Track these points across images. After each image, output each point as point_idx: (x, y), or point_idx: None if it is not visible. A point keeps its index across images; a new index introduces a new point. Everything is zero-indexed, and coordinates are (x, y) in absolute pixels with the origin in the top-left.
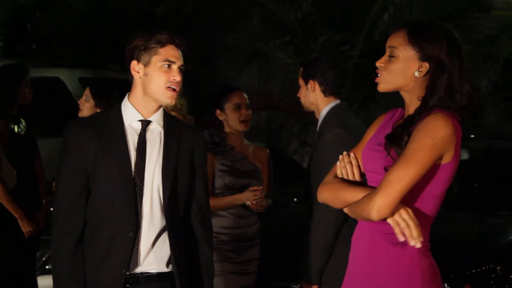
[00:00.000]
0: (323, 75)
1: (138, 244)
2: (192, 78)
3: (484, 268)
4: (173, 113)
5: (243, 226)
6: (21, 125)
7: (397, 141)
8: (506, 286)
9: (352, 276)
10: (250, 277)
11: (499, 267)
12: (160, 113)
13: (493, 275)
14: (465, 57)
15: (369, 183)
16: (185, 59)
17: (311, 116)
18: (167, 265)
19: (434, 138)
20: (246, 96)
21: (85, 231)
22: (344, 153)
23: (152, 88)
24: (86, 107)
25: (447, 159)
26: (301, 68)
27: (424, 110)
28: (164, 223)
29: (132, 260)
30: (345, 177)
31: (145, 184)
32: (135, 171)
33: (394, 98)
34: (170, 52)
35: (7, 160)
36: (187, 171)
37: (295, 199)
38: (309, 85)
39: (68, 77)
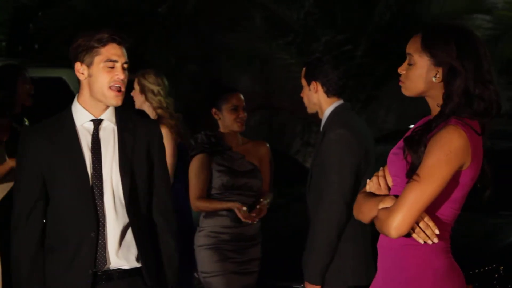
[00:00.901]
0: (325, 76)
1: (104, 243)
2: (193, 79)
3: (487, 268)
4: (159, 111)
5: (244, 226)
6: (24, 125)
7: (414, 147)
8: (509, 286)
9: (376, 281)
10: (251, 276)
11: (501, 267)
12: (111, 110)
13: (496, 275)
14: (484, 57)
15: (393, 187)
16: (186, 59)
17: (313, 116)
18: (137, 261)
19: (449, 153)
20: (243, 98)
21: (47, 236)
22: (381, 168)
23: (97, 89)
24: None
25: (465, 166)
26: (304, 69)
27: (441, 118)
28: (127, 219)
29: (99, 259)
30: (372, 189)
31: (104, 183)
32: (92, 172)
33: (397, 99)
34: (112, 51)
35: (8, 159)
36: (145, 164)
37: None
38: (311, 86)
39: (70, 77)
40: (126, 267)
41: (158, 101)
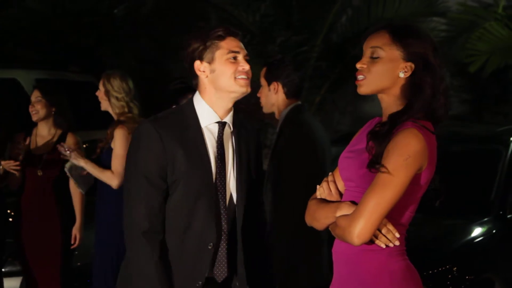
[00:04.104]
0: (287, 77)
1: (222, 253)
2: (149, 79)
3: (440, 269)
4: (121, 117)
5: None
6: None
7: (380, 139)
8: (462, 286)
9: (333, 286)
10: None
11: (455, 268)
12: (232, 112)
13: (449, 276)
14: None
15: (347, 192)
16: (144, 61)
17: (269, 117)
18: (231, 273)
19: (408, 157)
20: None
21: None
22: (330, 173)
23: (223, 82)
24: (41, 107)
25: (422, 169)
26: (264, 69)
27: (409, 112)
28: (237, 233)
29: (215, 270)
30: (322, 195)
31: (226, 194)
32: (217, 180)
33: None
34: (232, 43)
35: None
36: (254, 175)
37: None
38: (272, 86)
39: (24, 78)
40: (220, 279)
41: (121, 107)
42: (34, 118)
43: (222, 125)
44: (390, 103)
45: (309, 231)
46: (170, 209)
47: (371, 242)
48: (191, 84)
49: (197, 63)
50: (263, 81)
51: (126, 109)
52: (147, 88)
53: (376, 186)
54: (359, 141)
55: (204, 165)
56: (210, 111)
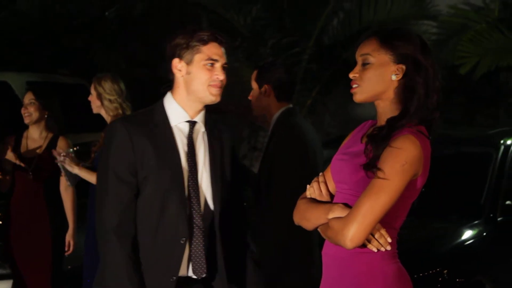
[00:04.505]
0: (278, 80)
1: (195, 250)
2: (140, 82)
3: (431, 272)
4: (115, 119)
5: None
6: None
7: (378, 142)
8: None
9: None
10: None
11: (445, 271)
12: (203, 112)
13: (440, 279)
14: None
15: (338, 194)
16: (135, 63)
17: (260, 120)
18: (212, 272)
19: (404, 163)
20: None
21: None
22: (320, 174)
23: (195, 87)
24: (34, 110)
25: (418, 175)
26: (256, 72)
27: (406, 116)
28: (214, 230)
29: (182, 267)
30: (312, 195)
31: (199, 190)
32: (188, 176)
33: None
34: (213, 50)
35: None
36: (230, 172)
37: (244, 203)
38: (263, 89)
39: (15, 81)
40: (199, 277)
41: (115, 109)
42: (27, 121)
43: (192, 124)
44: (386, 108)
45: (302, 233)
46: (142, 205)
47: (363, 245)
48: None
49: (175, 61)
50: (254, 84)
51: (120, 111)
52: (139, 90)
53: (371, 190)
54: (352, 143)
55: (174, 162)
56: (181, 110)
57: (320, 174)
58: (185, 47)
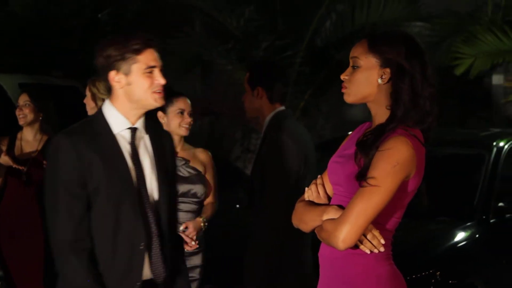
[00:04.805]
0: (270, 82)
1: (153, 255)
2: None
3: (424, 273)
4: None
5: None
6: None
7: (366, 150)
8: None
9: None
10: (193, 284)
11: (438, 273)
12: (143, 118)
13: (433, 281)
14: (428, 62)
15: (335, 196)
16: None
17: (253, 122)
18: (170, 273)
19: (396, 164)
20: (189, 103)
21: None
22: (319, 176)
23: (138, 96)
24: (29, 112)
25: (410, 176)
26: (248, 74)
27: (393, 121)
28: (166, 231)
29: (144, 272)
30: (310, 198)
31: (149, 194)
32: (138, 183)
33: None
34: (149, 57)
35: None
36: (171, 174)
37: (237, 205)
38: (255, 91)
39: (8, 83)
40: (160, 279)
41: None
42: (21, 122)
43: (133, 130)
44: (378, 111)
45: (293, 235)
46: (96, 215)
47: (356, 246)
48: (175, 89)
49: (112, 73)
50: (246, 86)
51: None
52: None
53: (363, 191)
54: (349, 146)
55: (122, 170)
56: (122, 118)
57: (319, 176)
58: (120, 58)
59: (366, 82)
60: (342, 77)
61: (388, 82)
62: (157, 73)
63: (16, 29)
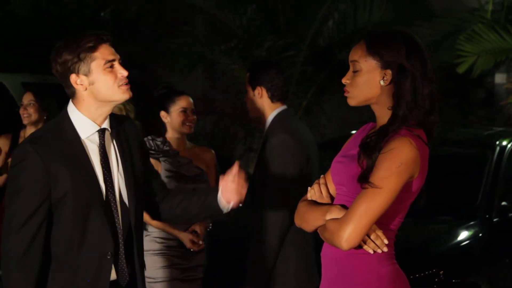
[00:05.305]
0: (270, 81)
1: (121, 260)
2: (136, 84)
3: (427, 272)
4: None
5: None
6: None
7: (369, 152)
8: None
9: None
10: (195, 283)
11: (441, 272)
12: (109, 117)
13: (436, 280)
14: (428, 58)
15: (338, 196)
16: (129, 65)
17: (256, 121)
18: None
19: (400, 165)
20: (192, 101)
21: (54, 259)
22: (321, 176)
23: (104, 93)
24: (33, 111)
25: (414, 176)
26: (248, 74)
27: (395, 122)
28: (135, 231)
29: (117, 276)
30: (313, 197)
31: (117, 200)
32: (106, 189)
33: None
34: (105, 51)
35: None
36: (142, 170)
37: (240, 204)
38: (256, 91)
39: (11, 82)
40: (124, 283)
41: (118, 110)
42: (25, 121)
43: (102, 132)
44: (381, 112)
45: (295, 234)
46: (62, 224)
47: (359, 246)
48: (175, 89)
49: (73, 77)
50: (247, 86)
51: (123, 112)
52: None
53: (367, 192)
54: (352, 146)
55: (90, 178)
56: (88, 121)
57: (322, 176)
58: (77, 60)
59: (368, 85)
60: (344, 81)
61: (390, 83)
62: (117, 66)
63: (17, 28)
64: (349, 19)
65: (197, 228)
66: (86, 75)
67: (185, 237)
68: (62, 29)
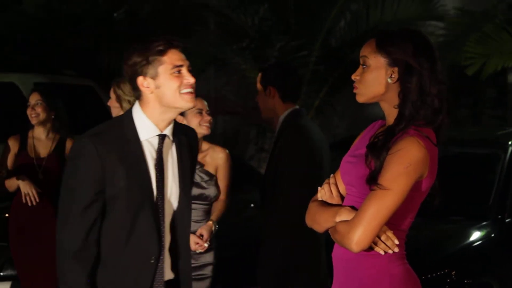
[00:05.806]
0: (282, 81)
1: (163, 266)
2: None
3: (439, 273)
4: None
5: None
6: None
7: (377, 153)
8: None
9: None
10: (205, 282)
11: (453, 272)
12: (172, 124)
13: (448, 280)
14: (437, 58)
15: (348, 197)
16: None
17: (267, 121)
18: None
19: (409, 165)
20: (206, 103)
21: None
22: (331, 175)
23: (168, 98)
24: (41, 111)
25: (423, 176)
26: (260, 74)
27: (402, 122)
28: (181, 244)
29: (156, 281)
30: (323, 197)
31: (165, 206)
32: (157, 194)
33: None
34: (174, 56)
35: None
36: (191, 178)
37: (252, 205)
38: (268, 91)
39: (23, 82)
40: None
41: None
42: (34, 121)
43: (162, 137)
44: (390, 110)
45: (307, 235)
46: (110, 223)
47: (370, 247)
48: None
49: (140, 79)
50: (259, 86)
51: None
52: None
53: (376, 193)
54: (361, 145)
55: (144, 180)
56: (150, 124)
57: (331, 176)
58: (145, 63)
59: (375, 81)
60: (353, 77)
61: (397, 81)
62: (185, 72)
63: (30, 28)
64: (361, 19)
65: (204, 231)
66: (153, 78)
67: (190, 239)
68: (74, 29)
